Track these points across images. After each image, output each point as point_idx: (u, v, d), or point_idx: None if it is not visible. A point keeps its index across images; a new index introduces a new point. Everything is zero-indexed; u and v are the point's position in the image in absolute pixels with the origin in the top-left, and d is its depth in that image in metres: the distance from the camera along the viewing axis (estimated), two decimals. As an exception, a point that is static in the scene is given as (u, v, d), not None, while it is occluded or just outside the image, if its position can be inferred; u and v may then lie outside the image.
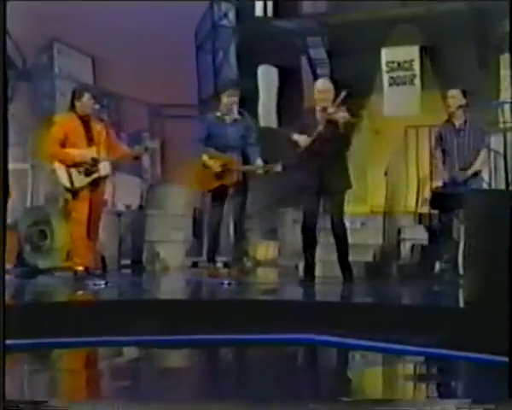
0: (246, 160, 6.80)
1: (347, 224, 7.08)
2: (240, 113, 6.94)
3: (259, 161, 6.67)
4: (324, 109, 6.42)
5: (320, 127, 6.36)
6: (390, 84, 9.46)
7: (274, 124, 10.06)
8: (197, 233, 9.34)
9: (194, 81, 10.42)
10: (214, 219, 6.93)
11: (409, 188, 8.62)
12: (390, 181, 8.11)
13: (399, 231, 7.93)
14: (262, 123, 10.10)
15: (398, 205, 8.31)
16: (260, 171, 6.68)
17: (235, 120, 6.85)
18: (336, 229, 6.57)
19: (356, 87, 9.19)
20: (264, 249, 10.10)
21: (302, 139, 6.39)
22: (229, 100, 6.79)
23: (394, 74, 9.43)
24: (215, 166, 6.72)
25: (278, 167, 6.60)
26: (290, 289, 6.77)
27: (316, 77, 9.99)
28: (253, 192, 10.37)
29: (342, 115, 6.28)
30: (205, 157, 6.74)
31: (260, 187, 10.13)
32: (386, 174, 7.96)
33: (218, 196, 6.85)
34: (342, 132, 6.31)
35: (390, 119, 9.24)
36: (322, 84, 6.72)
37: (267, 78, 10.26)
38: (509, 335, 3.38)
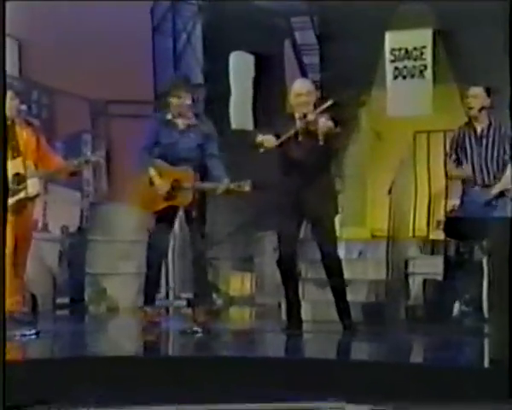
0: (204, 175, 6.78)
1: (341, 253, 7.08)
2: (196, 116, 6.93)
3: (226, 180, 6.64)
4: (305, 117, 6.46)
5: (293, 130, 6.41)
6: (395, 77, 9.50)
7: (249, 125, 10.06)
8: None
9: (148, 71, 10.40)
10: (156, 249, 6.94)
11: (418, 208, 8.65)
12: (395, 198, 8.12)
13: (407, 263, 7.94)
14: (234, 125, 10.11)
15: (404, 229, 8.32)
16: (222, 190, 6.68)
17: (189, 126, 6.85)
18: (328, 261, 6.58)
19: (353, 80, 9.29)
20: (239, 283, 10.10)
21: (268, 139, 6.43)
22: (180, 101, 6.76)
23: (400, 64, 9.47)
24: (163, 185, 6.72)
25: (246, 187, 6.60)
26: (270, 340, 6.71)
27: (302, 66, 10.03)
28: (221, 211, 10.42)
29: (323, 123, 6.31)
30: (152, 172, 6.75)
31: (231, 204, 10.16)
32: (390, 191, 7.97)
33: (165, 219, 6.84)
34: (324, 144, 6.35)
35: (395, 120, 9.27)
36: (301, 86, 6.71)
37: (241, 67, 10.27)
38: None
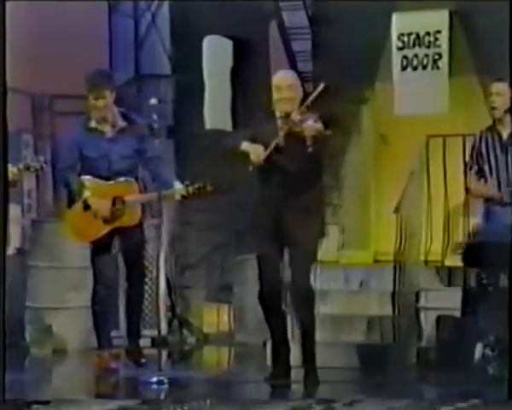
0: (148, 184, 7.01)
1: (340, 281, 7.10)
2: (125, 117, 7.04)
3: (177, 184, 6.77)
4: (287, 116, 6.48)
5: (279, 137, 6.44)
6: (403, 68, 9.52)
7: (227, 125, 10.07)
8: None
9: (103, 60, 10.40)
10: (103, 284, 7.12)
11: (431, 227, 8.67)
12: (403, 216, 8.16)
13: (418, 295, 7.97)
14: (209, 124, 10.12)
15: (415, 253, 8.37)
16: (181, 195, 6.77)
17: (119, 131, 6.97)
18: (296, 288, 6.54)
19: (352, 71, 9.32)
20: (214, 317, 10.09)
21: (255, 151, 6.44)
22: (104, 102, 6.87)
23: (410, 53, 9.50)
24: (102, 206, 6.83)
25: (208, 187, 6.77)
26: (251, 392, 6.68)
27: (290, 54, 10.05)
28: (193, 227, 10.42)
29: (311, 126, 6.32)
30: (87, 193, 6.85)
31: (205, 221, 10.16)
32: (397, 207, 8.01)
33: (106, 246, 6.98)
34: (312, 151, 6.36)
35: (403, 121, 9.31)
36: (284, 79, 6.69)
37: (217, 55, 10.28)
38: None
